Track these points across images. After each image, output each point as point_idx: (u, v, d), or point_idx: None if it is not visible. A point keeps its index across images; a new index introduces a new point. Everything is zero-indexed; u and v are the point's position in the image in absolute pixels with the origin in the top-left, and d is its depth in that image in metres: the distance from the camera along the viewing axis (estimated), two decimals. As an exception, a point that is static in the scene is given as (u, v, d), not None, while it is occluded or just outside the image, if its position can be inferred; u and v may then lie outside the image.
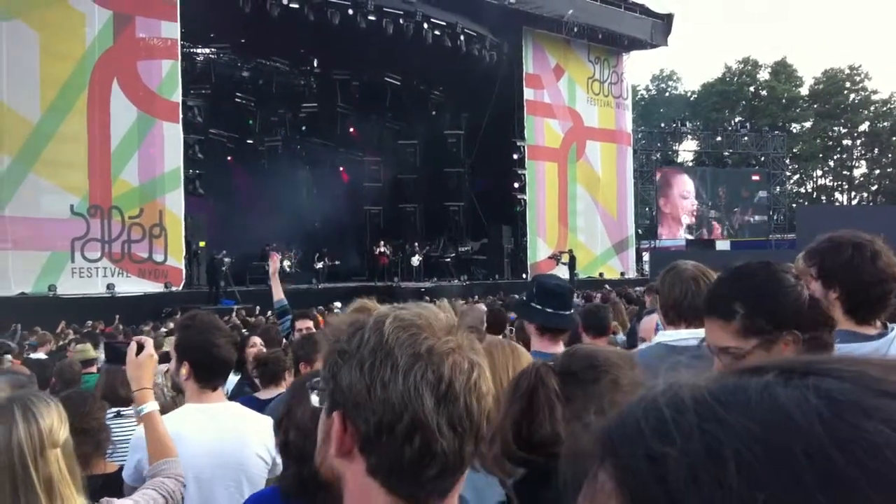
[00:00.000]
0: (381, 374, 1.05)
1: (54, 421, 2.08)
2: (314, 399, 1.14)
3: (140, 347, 2.72)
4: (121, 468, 3.47)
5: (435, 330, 1.09)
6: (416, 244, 29.08)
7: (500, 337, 4.02)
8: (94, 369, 6.94)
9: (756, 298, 1.94)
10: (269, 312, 16.54)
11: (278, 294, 6.09)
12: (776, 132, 46.08)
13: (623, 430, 0.53)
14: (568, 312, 3.51)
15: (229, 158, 29.40)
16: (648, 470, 0.49)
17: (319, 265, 26.33)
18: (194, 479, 2.71)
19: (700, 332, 2.64)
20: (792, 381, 0.50)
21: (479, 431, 1.10)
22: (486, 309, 7.85)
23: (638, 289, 17.51)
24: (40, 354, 8.12)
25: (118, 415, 4.45)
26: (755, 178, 42.18)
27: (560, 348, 3.40)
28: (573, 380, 1.87)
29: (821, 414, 0.47)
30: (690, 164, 47.13)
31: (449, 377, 1.06)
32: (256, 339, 6.01)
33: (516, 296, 13.11)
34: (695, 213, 40.78)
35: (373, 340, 1.07)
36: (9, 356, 7.45)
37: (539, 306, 3.47)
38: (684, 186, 40.76)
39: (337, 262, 27.41)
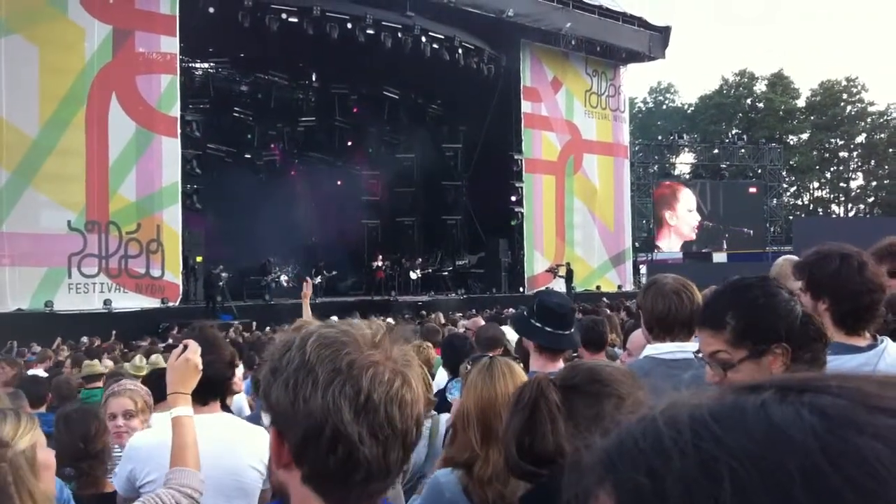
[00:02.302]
0: (302, 391, 1.12)
1: (6, 433, 2.07)
2: (265, 419, 1.20)
3: (184, 350, 2.70)
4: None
5: (360, 345, 1.15)
6: (419, 260, 29.06)
7: (498, 355, 4.01)
8: (100, 384, 6.91)
9: (748, 311, 1.96)
10: (267, 328, 16.54)
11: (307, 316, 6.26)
12: (773, 144, 46.18)
13: (622, 450, 0.54)
14: (568, 332, 3.46)
15: (227, 173, 29.42)
16: (647, 488, 0.50)
17: (317, 279, 26.30)
18: None
19: (686, 345, 2.66)
20: (788, 398, 0.51)
21: (407, 438, 1.16)
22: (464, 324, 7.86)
23: (635, 301, 17.50)
24: (39, 370, 8.10)
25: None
26: (752, 190, 42.24)
27: (560, 366, 3.38)
28: (574, 392, 1.87)
29: (814, 430, 0.48)
30: (687, 176, 47.22)
31: (367, 389, 1.12)
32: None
33: (513, 310, 13.07)
34: (697, 227, 40.82)
35: (297, 359, 1.14)
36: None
37: (539, 324, 3.43)
38: (685, 199, 40.85)
39: (335, 273, 27.40)
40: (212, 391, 2.95)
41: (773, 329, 1.93)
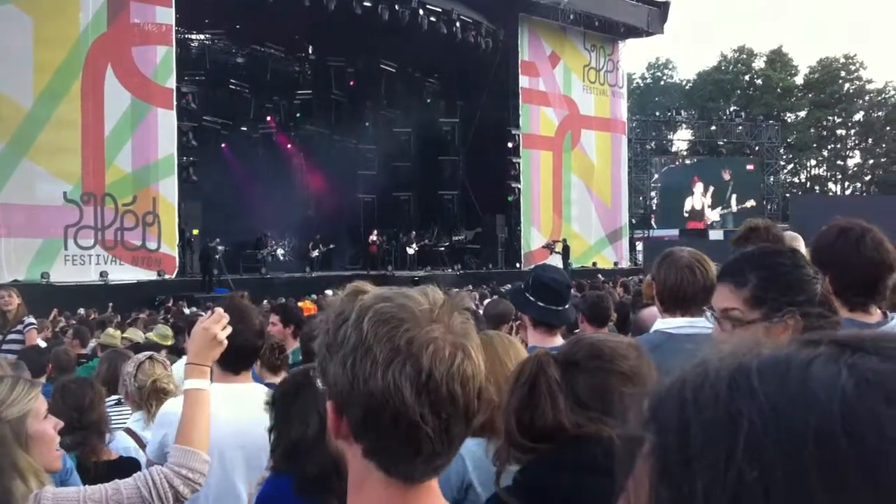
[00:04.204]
0: (362, 370, 1.09)
1: None
2: (320, 384, 1.17)
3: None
4: (120, 458, 3.47)
5: (418, 319, 1.11)
6: (413, 233, 29.05)
7: (506, 331, 3.98)
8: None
9: (772, 274, 1.96)
10: (265, 301, 16.54)
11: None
12: (771, 121, 46.08)
13: (669, 394, 0.54)
14: (562, 308, 3.43)
15: (223, 145, 29.26)
16: (676, 433, 0.50)
17: (314, 253, 26.30)
18: (217, 458, 2.67)
19: (696, 321, 2.65)
20: (841, 356, 0.50)
21: (469, 412, 1.13)
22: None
23: (634, 278, 17.53)
24: (39, 341, 8.11)
25: (119, 402, 4.42)
26: (749, 167, 42.21)
27: (557, 341, 3.35)
28: (575, 369, 1.87)
29: (843, 394, 0.47)
30: (685, 153, 47.15)
31: (429, 367, 1.08)
32: (275, 317, 5.86)
33: (511, 284, 13.09)
34: (695, 204, 40.86)
35: (353, 337, 1.11)
36: None
37: (533, 298, 3.40)
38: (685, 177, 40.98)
39: (332, 247, 27.38)
40: (242, 361, 2.91)
41: (791, 298, 1.92)
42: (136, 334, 7.54)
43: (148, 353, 4.27)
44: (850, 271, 2.48)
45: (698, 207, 41.09)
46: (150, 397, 3.92)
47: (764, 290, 1.93)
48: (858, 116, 59.32)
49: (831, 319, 1.97)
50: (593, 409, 1.81)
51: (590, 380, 1.84)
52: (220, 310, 2.53)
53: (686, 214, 41.01)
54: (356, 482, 1.16)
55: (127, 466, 3.09)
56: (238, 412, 2.81)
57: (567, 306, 3.49)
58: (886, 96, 57.75)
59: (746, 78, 60.49)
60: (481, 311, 7.15)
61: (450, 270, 27.55)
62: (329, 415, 1.14)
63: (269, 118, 30.89)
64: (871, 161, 60.56)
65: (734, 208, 40.97)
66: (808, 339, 0.53)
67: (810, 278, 1.97)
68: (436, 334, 1.11)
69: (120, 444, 3.65)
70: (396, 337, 1.09)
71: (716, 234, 39.42)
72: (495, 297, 8.69)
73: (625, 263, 33.01)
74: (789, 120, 58.46)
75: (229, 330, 2.50)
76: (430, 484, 1.16)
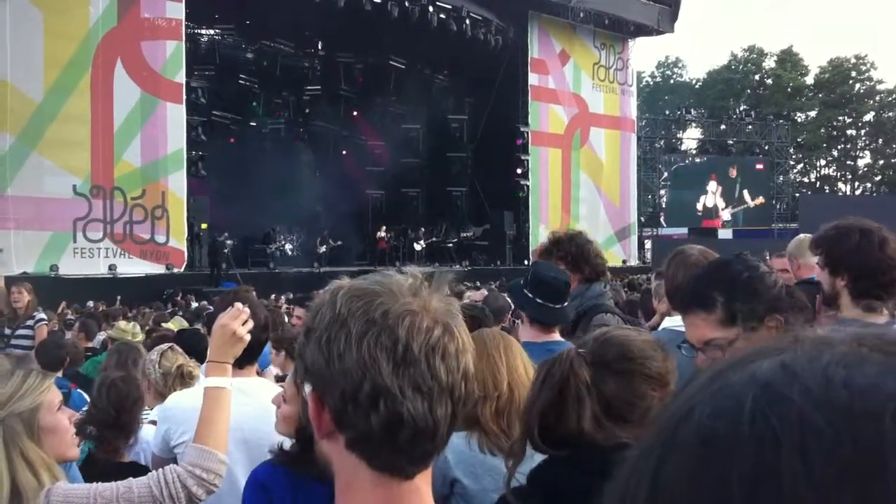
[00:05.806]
0: (336, 346, 1.05)
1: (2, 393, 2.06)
2: (306, 390, 1.12)
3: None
4: (131, 463, 3.46)
5: (395, 294, 1.08)
6: (421, 230, 29.04)
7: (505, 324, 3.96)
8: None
9: (734, 286, 1.94)
10: (272, 296, 16.56)
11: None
12: (781, 121, 45.93)
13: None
14: (560, 306, 3.35)
15: (232, 140, 29.29)
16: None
17: (322, 249, 26.32)
18: None
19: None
20: (752, 361, 0.47)
21: (454, 392, 1.08)
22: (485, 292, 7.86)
23: (642, 276, 17.50)
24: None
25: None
26: (759, 166, 42.06)
27: (554, 336, 3.31)
28: (605, 370, 1.81)
29: (698, 398, 0.45)
30: (694, 151, 47.00)
31: (406, 339, 1.04)
32: (300, 310, 5.85)
33: (510, 281, 13.08)
34: (708, 202, 40.73)
35: (328, 314, 1.07)
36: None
37: (531, 295, 3.31)
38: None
39: (339, 243, 27.40)
40: (247, 355, 2.85)
41: (761, 301, 1.92)
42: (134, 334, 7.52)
43: (169, 343, 4.28)
44: (874, 273, 2.47)
45: (710, 205, 40.94)
46: (176, 383, 3.90)
47: (734, 306, 1.92)
48: (869, 117, 59.05)
49: (801, 316, 1.98)
50: (619, 415, 1.78)
51: (618, 383, 1.80)
52: (239, 305, 2.46)
53: (699, 213, 40.88)
54: (343, 483, 1.12)
55: (133, 473, 3.08)
56: (241, 407, 2.78)
57: (565, 304, 3.41)
58: (897, 97, 57.49)
59: (757, 77, 60.27)
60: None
61: (458, 267, 27.51)
62: (311, 411, 1.09)
63: (278, 113, 30.91)
64: (881, 161, 60.30)
65: (750, 203, 40.81)
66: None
67: (768, 275, 1.97)
68: (413, 307, 1.07)
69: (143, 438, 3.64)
70: (371, 310, 1.05)
71: (725, 234, 39.31)
72: (494, 291, 8.66)
73: (633, 261, 32.93)
74: (799, 120, 58.23)
75: (250, 325, 2.44)
76: (419, 484, 1.11)
